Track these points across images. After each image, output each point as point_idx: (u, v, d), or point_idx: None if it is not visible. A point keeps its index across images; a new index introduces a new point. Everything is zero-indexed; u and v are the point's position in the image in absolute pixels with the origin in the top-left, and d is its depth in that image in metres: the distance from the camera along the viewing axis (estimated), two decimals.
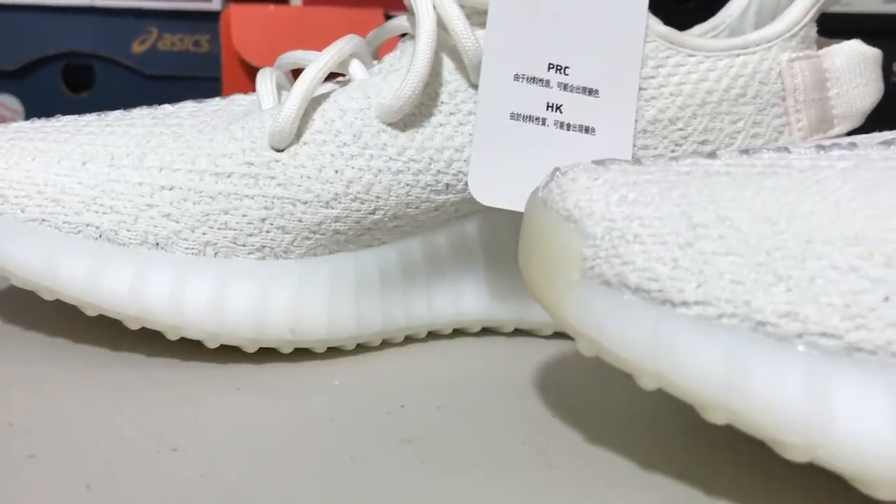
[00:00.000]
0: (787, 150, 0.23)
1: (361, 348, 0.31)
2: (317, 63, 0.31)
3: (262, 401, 0.27)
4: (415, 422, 0.26)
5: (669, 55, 0.31)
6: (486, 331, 0.33)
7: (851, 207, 0.20)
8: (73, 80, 0.65)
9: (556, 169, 0.24)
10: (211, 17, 0.64)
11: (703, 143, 0.31)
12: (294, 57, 0.33)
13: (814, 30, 0.33)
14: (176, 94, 0.35)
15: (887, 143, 0.23)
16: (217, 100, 0.33)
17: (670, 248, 0.21)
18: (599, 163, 0.24)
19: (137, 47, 0.65)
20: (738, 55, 0.32)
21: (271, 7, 0.61)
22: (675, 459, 0.24)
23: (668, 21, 0.38)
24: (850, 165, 0.22)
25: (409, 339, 0.32)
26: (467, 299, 0.33)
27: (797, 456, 0.19)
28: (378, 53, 0.34)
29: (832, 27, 0.57)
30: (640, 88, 0.31)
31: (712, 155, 0.24)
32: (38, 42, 0.63)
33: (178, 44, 0.65)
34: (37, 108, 0.64)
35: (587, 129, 0.31)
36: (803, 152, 0.23)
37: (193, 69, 0.65)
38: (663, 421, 0.26)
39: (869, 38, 0.61)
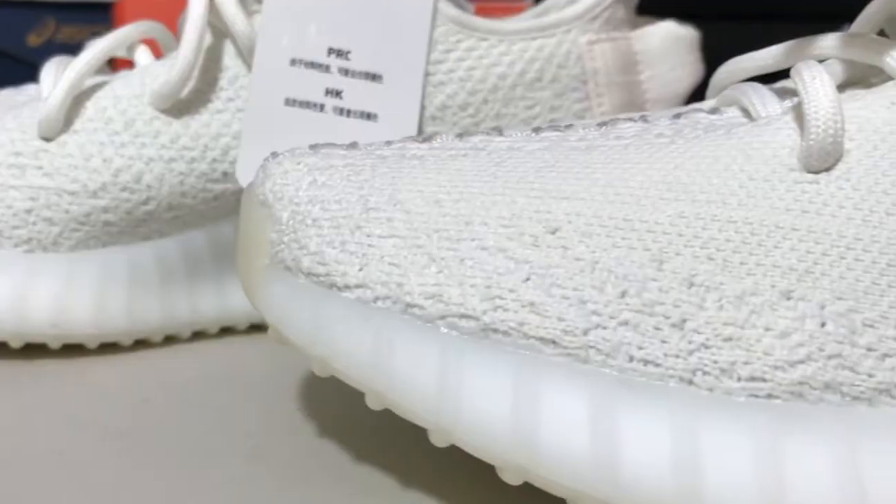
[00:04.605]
0: (498, 132, 0.24)
1: (142, 344, 0.32)
2: (90, 50, 0.32)
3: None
4: (143, 417, 0.27)
5: (460, 39, 0.32)
6: None
7: (516, 188, 0.21)
8: None
9: (272, 153, 0.25)
10: (109, 8, 0.65)
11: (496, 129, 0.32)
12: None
13: (620, 11, 0.33)
14: None
15: (601, 124, 0.24)
16: (8, 90, 0.34)
17: (342, 231, 0.22)
18: (314, 146, 0.24)
19: (34, 40, 0.66)
20: (534, 38, 0.32)
21: None
22: (372, 452, 0.25)
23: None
24: (540, 147, 0.23)
25: (198, 335, 0.33)
26: None
27: (438, 440, 0.20)
28: None
29: (746, 12, 0.58)
30: (429, 73, 0.32)
31: (427, 138, 0.24)
32: None
33: (76, 35, 0.66)
34: None
35: (369, 116, 0.31)
36: (517, 135, 0.24)
37: None
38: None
39: (782, 21, 0.61)
